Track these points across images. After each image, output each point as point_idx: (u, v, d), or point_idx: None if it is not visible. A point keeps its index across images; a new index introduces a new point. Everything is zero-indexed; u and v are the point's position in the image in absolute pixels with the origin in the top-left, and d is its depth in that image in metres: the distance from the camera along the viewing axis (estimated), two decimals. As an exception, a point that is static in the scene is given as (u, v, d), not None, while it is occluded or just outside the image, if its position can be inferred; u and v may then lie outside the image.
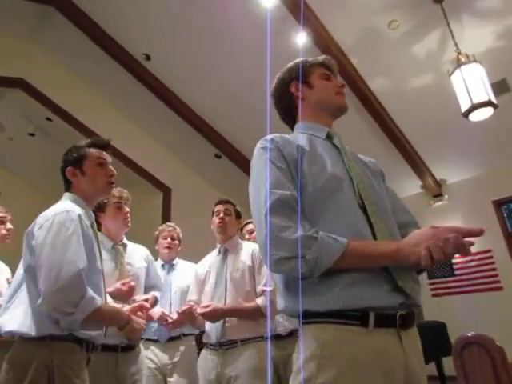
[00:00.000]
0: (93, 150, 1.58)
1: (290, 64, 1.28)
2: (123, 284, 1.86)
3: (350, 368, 0.83)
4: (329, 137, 1.16)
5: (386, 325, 0.89)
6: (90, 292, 1.29)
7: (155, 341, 2.45)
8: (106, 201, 2.02)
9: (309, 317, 0.90)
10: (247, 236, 2.72)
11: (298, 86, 1.22)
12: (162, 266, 2.72)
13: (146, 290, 2.15)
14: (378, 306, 0.88)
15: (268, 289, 1.93)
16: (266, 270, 2.01)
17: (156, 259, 2.76)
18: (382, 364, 0.85)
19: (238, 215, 2.32)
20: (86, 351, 1.40)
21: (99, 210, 2.04)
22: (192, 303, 2.12)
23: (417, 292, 0.97)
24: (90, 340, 1.41)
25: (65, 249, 1.28)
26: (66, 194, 1.54)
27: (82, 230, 1.36)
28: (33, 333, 1.27)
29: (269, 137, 1.08)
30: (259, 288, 1.98)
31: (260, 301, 1.94)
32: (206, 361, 1.97)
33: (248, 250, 2.15)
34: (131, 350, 1.89)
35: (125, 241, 2.14)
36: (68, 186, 1.56)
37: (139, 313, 1.64)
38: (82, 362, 1.37)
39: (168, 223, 2.87)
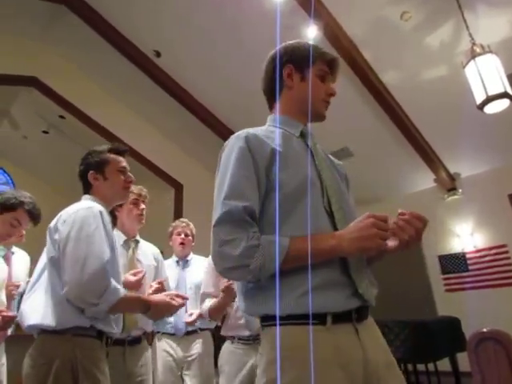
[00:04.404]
0: (114, 156, 1.65)
1: (297, 42, 1.19)
2: (134, 274, 1.87)
3: (310, 369, 0.85)
4: (302, 135, 1.14)
5: (343, 321, 0.92)
6: (114, 283, 1.34)
7: (172, 335, 2.47)
8: None
9: (269, 319, 0.92)
10: None
11: (292, 74, 1.15)
12: (177, 262, 2.72)
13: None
14: (337, 312, 0.91)
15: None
16: None
17: (170, 255, 2.78)
18: (341, 359, 0.88)
19: None
20: (105, 345, 1.44)
21: (117, 204, 2.09)
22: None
23: (373, 296, 1.01)
24: (109, 335, 1.44)
25: (89, 243, 1.33)
26: (86, 196, 1.59)
27: (103, 224, 1.42)
28: (55, 324, 1.30)
29: (243, 134, 1.04)
30: None
31: None
32: (236, 355, 1.95)
33: None
34: (138, 344, 1.93)
35: (138, 237, 2.17)
36: (87, 189, 1.61)
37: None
38: (102, 356, 1.41)
39: (181, 219, 2.87)
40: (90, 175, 1.58)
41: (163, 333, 2.47)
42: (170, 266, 2.63)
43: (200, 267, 2.62)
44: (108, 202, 1.61)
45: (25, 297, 1.46)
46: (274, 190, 0.97)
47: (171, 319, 2.45)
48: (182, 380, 2.42)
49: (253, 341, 1.94)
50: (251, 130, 1.07)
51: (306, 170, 1.03)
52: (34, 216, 1.98)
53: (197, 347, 2.45)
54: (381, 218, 0.91)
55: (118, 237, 2.07)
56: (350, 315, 0.93)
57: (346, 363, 0.88)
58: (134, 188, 2.12)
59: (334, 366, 0.87)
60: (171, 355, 2.42)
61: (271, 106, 1.22)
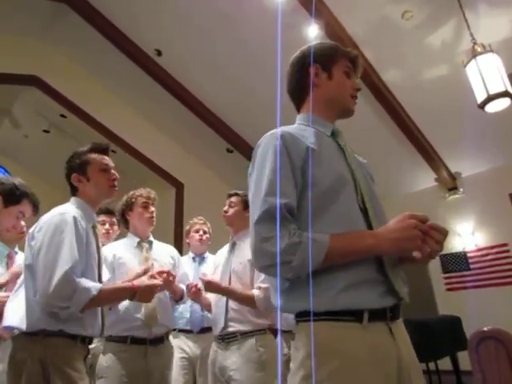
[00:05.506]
0: (95, 156, 1.63)
1: (320, 43, 1.23)
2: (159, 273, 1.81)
3: (346, 364, 0.86)
4: (333, 134, 1.16)
5: (378, 319, 0.93)
6: (83, 283, 1.36)
7: (188, 332, 2.46)
8: (134, 200, 2.15)
9: (305, 315, 0.93)
10: None
11: (319, 72, 1.17)
12: (193, 258, 2.75)
13: None
14: (373, 308, 0.92)
15: (263, 285, 1.90)
16: None
17: (186, 253, 2.81)
18: (376, 357, 0.89)
19: (247, 206, 2.22)
20: (82, 344, 1.43)
21: (128, 208, 2.16)
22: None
23: (407, 294, 1.03)
24: (86, 335, 1.44)
25: (58, 250, 1.36)
26: (72, 199, 1.61)
27: (76, 230, 1.43)
28: (25, 327, 1.34)
29: (279, 132, 1.04)
30: (256, 284, 1.97)
31: (256, 292, 1.93)
32: (213, 353, 1.99)
33: None
34: (160, 344, 1.93)
35: (151, 238, 2.21)
36: (74, 191, 1.62)
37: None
38: (77, 355, 1.41)
39: (198, 217, 2.90)
40: (74, 178, 1.59)
41: (179, 330, 2.46)
42: (186, 263, 2.65)
43: None
44: (94, 202, 1.63)
45: (11, 297, 1.49)
46: (308, 188, 0.98)
47: (187, 314, 2.46)
48: (195, 380, 2.40)
49: (221, 340, 1.94)
50: (285, 128, 1.08)
51: (339, 168, 1.05)
52: (37, 206, 1.99)
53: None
54: (422, 219, 0.92)
55: (132, 240, 2.14)
56: (385, 314, 0.94)
57: (382, 362, 0.89)
58: (143, 191, 2.19)
59: (370, 364, 0.87)
60: (186, 352, 2.41)
61: (299, 107, 1.24)
